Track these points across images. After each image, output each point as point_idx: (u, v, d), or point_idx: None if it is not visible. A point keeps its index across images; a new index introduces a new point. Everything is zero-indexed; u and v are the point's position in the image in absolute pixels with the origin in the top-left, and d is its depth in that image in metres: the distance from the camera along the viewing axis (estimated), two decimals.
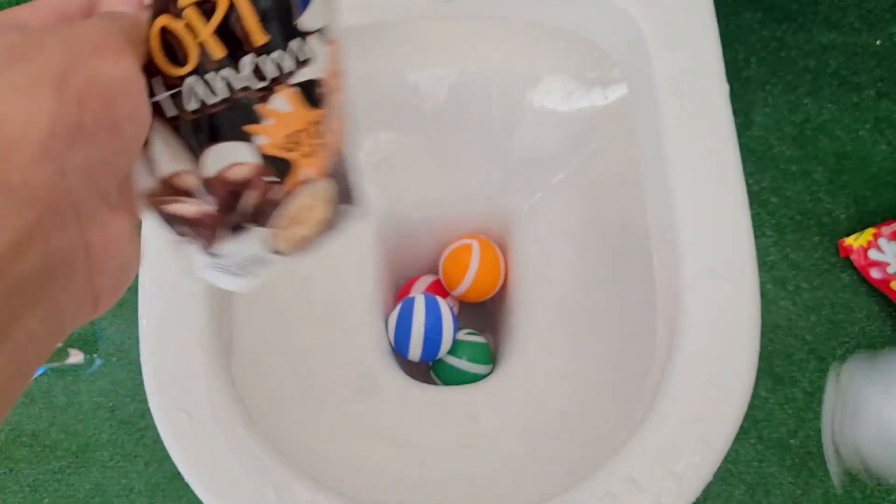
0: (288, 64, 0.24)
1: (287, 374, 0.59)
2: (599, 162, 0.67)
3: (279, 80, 0.24)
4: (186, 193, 0.24)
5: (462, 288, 0.75)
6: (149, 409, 0.48)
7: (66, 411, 0.91)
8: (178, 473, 0.46)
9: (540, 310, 0.70)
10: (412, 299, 0.71)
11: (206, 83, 0.23)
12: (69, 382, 0.91)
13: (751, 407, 0.63)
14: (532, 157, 0.72)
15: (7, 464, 0.90)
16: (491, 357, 0.74)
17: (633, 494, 0.45)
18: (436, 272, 0.79)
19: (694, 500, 0.46)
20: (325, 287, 0.67)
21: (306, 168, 0.26)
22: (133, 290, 0.94)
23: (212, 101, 0.23)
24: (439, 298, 0.73)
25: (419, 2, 0.62)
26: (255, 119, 0.24)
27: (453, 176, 0.75)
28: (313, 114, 0.25)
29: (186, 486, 0.46)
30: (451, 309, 0.73)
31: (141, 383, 0.48)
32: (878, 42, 1.01)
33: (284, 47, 0.24)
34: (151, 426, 0.53)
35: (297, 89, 0.25)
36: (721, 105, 0.54)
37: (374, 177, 0.73)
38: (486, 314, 0.82)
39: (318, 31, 0.25)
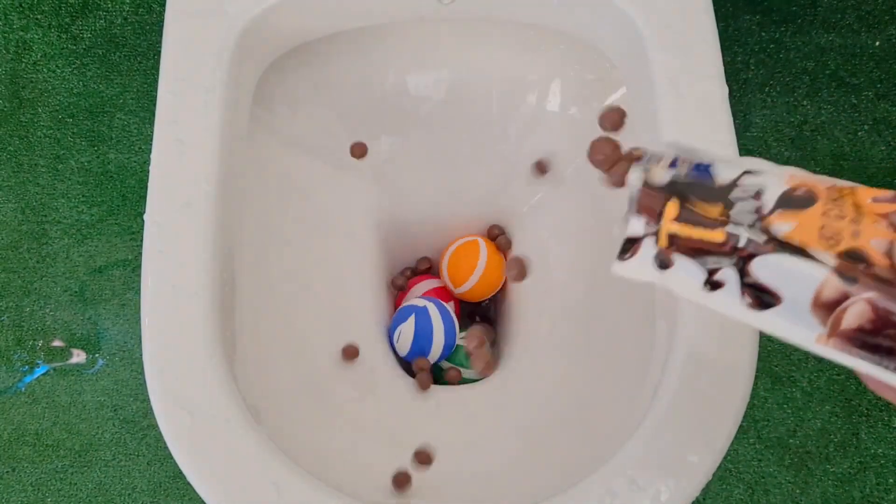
0: (749, 207, 0.29)
1: (289, 373, 0.59)
2: None
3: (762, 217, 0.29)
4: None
5: (468, 285, 0.75)
6: (151, 409, 0.48)
7: (69, 410, 0.91)
8: (181, 472, 0.47)
9: (540, 310, 0.70)
10: (425, 309, 0.70)
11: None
12: (72, 382, 0.92)
13: (750, 406, 0.64)
14: (532, 158, 0.72)
15: (10, 463, 0.90)
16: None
17: (632, 493, 0.45)
18: (435, 273, 0.80)
19: (693, 499, 0.46)
20: (327, 287, 0.67)
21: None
22: (136, 289, 0.95)
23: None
24: (442, 302, 0.72)
25: (419, 4, 0.63)
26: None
27: (454, 177, 0.75)
28: (814, 211, 0.28)
29: (189, 486, 0.46)
30: (451, 310, 0.73)
31: (144, 383, 0.49)
32: (876, 43, 1.02)
33: (732, 202, 0.29)
34: (154, 425, 0.54)
35: (780, 210, 0.28)
36: (720, 107, 0.55)
37: (376, 178, 0.73)
38: (486, 315, 0.83)
39: (742, 174, 0.30)
